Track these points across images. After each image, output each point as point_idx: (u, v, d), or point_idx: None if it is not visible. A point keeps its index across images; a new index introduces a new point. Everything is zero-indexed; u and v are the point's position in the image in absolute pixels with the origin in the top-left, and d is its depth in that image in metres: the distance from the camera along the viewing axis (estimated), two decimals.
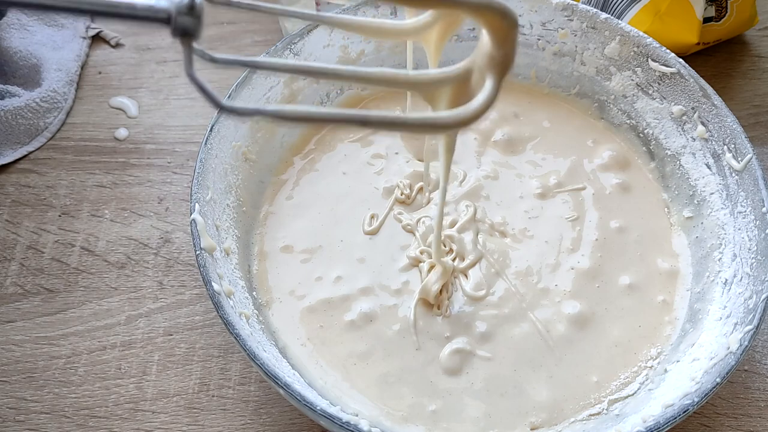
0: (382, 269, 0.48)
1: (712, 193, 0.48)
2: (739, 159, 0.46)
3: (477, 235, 0.49)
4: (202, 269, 0.41)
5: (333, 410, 0.38)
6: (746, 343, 0.39)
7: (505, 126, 0.55)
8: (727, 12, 0.60)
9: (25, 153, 0.57)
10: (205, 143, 0.46)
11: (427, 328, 0.45)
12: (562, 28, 0.54)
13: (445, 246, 0.48)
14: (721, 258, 0.46)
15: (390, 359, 0.44)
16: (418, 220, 0.49)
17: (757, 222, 0.44)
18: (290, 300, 0.47)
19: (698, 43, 0.59)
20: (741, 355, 0.39)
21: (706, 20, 0.59)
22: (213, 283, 0.41)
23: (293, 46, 0.52)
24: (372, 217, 0.50)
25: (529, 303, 0.46)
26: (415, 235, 0.49)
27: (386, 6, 0.53)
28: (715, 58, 0.63)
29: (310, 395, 0.39)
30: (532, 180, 0.52)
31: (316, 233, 0.49)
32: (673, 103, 0.51)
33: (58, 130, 0.59)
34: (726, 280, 0.45)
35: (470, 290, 0.46)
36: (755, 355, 0.47)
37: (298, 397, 0.38)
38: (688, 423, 0.44)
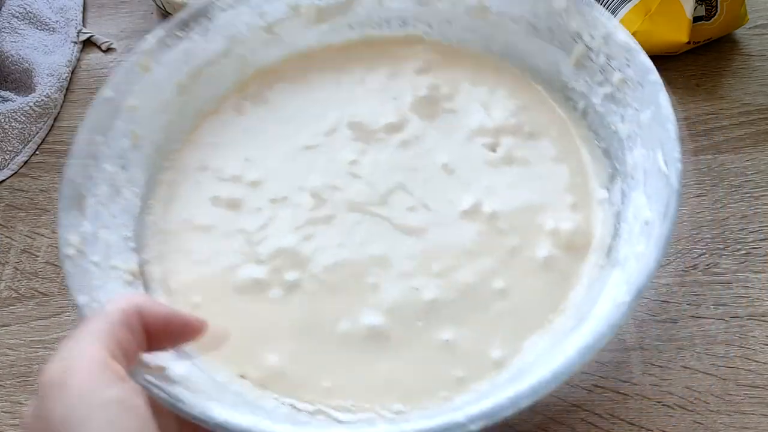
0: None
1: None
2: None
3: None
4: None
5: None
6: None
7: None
8: (717, 11, 0.60)
9: (21, 163, 0.57)
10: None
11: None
12: None
13: None
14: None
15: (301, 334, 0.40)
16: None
17: None
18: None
19: (688, 42, 0.60)
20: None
21: (696, 19, 0.60)
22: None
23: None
24: None
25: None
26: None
27: None
28: (706, 57, 0.63)
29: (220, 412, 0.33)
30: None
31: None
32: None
33: (49, 134, 0.59)
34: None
35: None
36: (746, 351, 0.48)
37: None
38: (681, 421, 0.44)
